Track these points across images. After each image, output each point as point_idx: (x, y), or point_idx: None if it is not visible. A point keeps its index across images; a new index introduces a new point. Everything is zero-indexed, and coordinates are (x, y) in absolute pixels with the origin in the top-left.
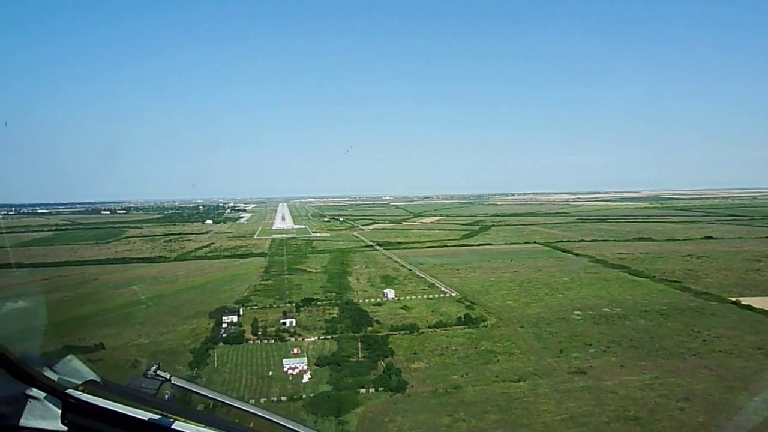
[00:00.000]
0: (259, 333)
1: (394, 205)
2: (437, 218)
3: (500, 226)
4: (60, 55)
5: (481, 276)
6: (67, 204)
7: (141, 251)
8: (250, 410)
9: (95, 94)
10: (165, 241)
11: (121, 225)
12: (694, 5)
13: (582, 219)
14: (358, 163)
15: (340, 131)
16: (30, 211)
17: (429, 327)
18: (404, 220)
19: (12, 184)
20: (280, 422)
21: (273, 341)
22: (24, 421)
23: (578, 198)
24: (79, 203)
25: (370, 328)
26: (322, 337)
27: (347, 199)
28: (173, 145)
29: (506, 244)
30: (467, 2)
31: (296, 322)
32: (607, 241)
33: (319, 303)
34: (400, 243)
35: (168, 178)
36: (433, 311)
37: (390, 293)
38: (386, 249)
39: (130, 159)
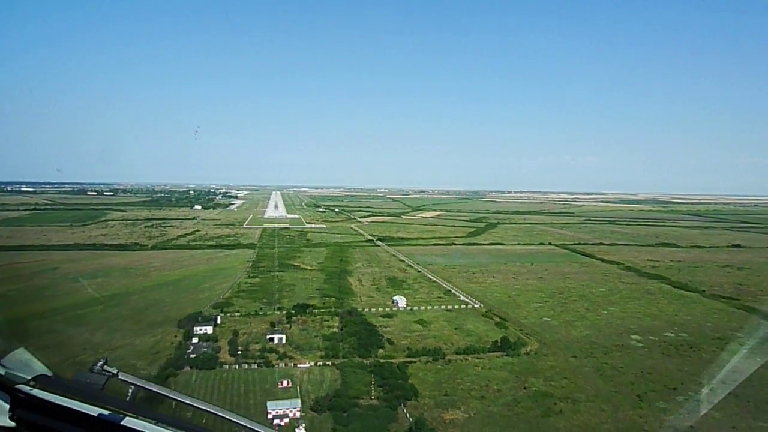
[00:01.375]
0: (239, 353)
1: (390, 198)
2: (437, 213)
3: (506, 224)
4: (60, 37)
5: (502, 282)
6: (55, 183)
7: (117, 237)
8: (198, 405)
9: (91, 76)
10: (146, 227)
11: (104, 207)
12: (697, 12)
13: (589, 220)
14: (354, 154)
15: (337, 123)
16: (14, 189)
17: (457, 352)
18: (403, 214)
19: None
20: (228, 417)
21: (256, 365)
22: None
23: (576, 198)
24: (69, 183)
25: (381, 350)
26: (320, 362)
27: (342, 190)
28: (166, 130)
29: (519, 244)
30: (467, 0)
31: (287, 339)
32: (628, 245)
33: (316, 311)
34: (403, 238)
35: (161, 161)
36: (456, 328)
37: (401, 301)
38: (389, 245)
39: (123, 142)
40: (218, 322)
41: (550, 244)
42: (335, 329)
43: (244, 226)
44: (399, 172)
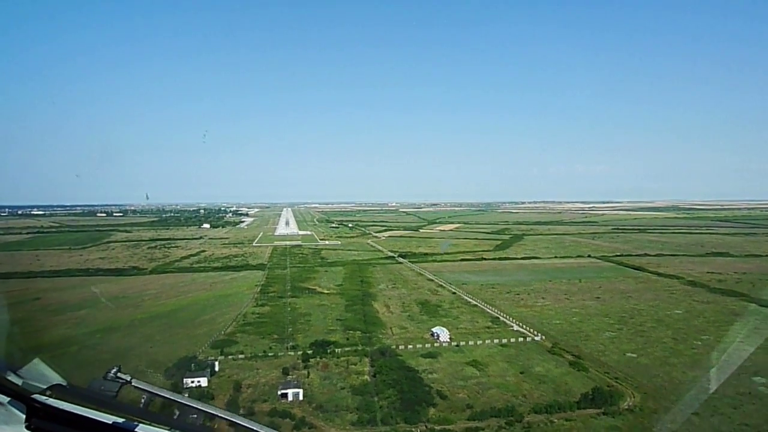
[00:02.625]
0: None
1: (403, 212)
2: (456, 226)
3: (531, 235)
4: (67, 56)
5: (556, 305)
6: (67, 206)
7: (115, 260)
8: (211, 411)
9: (103, 98)
10: (149, 248)
11: (110, 228)
12: (710, 19)
13: (617, 229)
14: (364, 170)
15: (346, 138)
16: (26, 212)
17: (536, 410)
18: (420, 227)
19: (12, 186)
20: (243, 423)
21: None
22: None
23: (593, 207)
24: (80, 205)
25: (432, 408)
26: None
27: (353, 205)
28: (178, 150)
29: (556, 257)
30: (479, 11)
31: (304, 394)
32: (675, 255)
33: (339, 350)
34: (426, 254)
35: (173, 182)
36: (522, 372)
37: (442, 334)
38: (412, 261)
39: (135, 163)
40: (216, 369)
41: (589, 256)
42: (366, 376)
43: (254, 244)
44: (410, 186)
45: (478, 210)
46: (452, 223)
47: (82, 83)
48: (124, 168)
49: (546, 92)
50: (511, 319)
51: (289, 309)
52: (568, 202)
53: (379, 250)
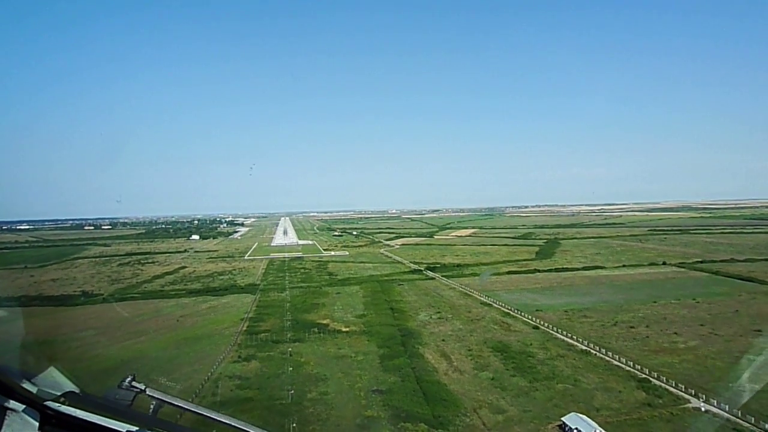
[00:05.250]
0: None
1: (407, 218)
2: (471, 231)
3: (565, 239)
4: (72, 67)
5: (710, 346)
6: (58, 221)
7: (70, 282)
8: (225, 421)
9: (98, 106)
10: (119, 265)
11: (88, 242)
12: (712, 19)
13: (655, 230)
14: (363, 177)
15: (344, 146)
16: (9, 228)
17: None
18: (432, 233)
19: (12, 201)
20: None
21: None
22: None
23: (602, 209)
24: (72, 219)
25: None
26: None
27: (352, 213)
28: (172, 163)
29: (624, 266)
30: (477, 17)
31: None
32: (765, 260)
33: None
34: (458, 266)
35: (171, 195)
36: None
37: (584, 427)
38: (445, 276)
39: (130, 177)
40: None
41: (664, 263)
42: None
43: (246, 257)
44: (409, 193)
45: (484, 215)
46: (465, 228)
47: (87, 96)
48: (121, 183)
49: (544, 97)
50: (668, 380)
51: (290, 368)
52: (572, 205)
53: (398, 262)
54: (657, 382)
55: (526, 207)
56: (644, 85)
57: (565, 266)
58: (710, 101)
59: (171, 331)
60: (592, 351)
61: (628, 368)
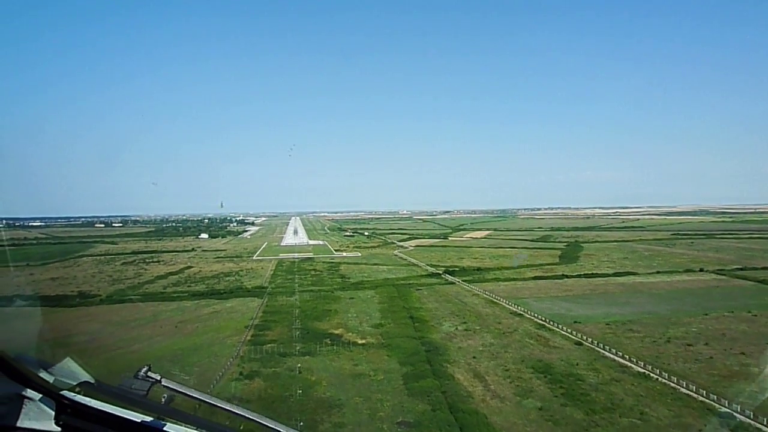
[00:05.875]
0: None
1: (419, 219)
2: (486, 232)
3: (589, 243)
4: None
5: None
6: (71, 218)
7: (69, 281)
8: (240, 412)
9: (113, 103)
10: (123, 263)
11: (95, 240)
12: (725, 28)
13: (677, 235)
14: (373, 178)
15: (356, 147)
16: (22, 224)
17: None
18: (446, 235)
19: (14, 199)
20: (271, 425)
21: None
22: (19, 422)
23: (617, 212)
24: (84, 216)
25: None
26: None
27: (363, 213)
28: (186, 161)
29: (659, 273)
30: (487, 21)
31: None
32: None
33: None
34: (479, 269)
35: (180, 193)
36: None
37: None
38: (466, 280)
39: (144, 175)
40: None
41: (701, 270)
42: None
43: (254, 258)
44: (420, 194)
45: (497, 216)
46: (479, 229)
47: (102, 94)
48: (136, 181)
49: (554, 100)
50: (756, 415)
51: (298, 390)
52: (584, 208)
53: (414, 264)
54: (743, 418)
55: (539, 209)
56: (659, 90)
57: (593, 272)
58: (724, 107)
59: (167, 339)
60: (651, 375)
61: (701, 398)
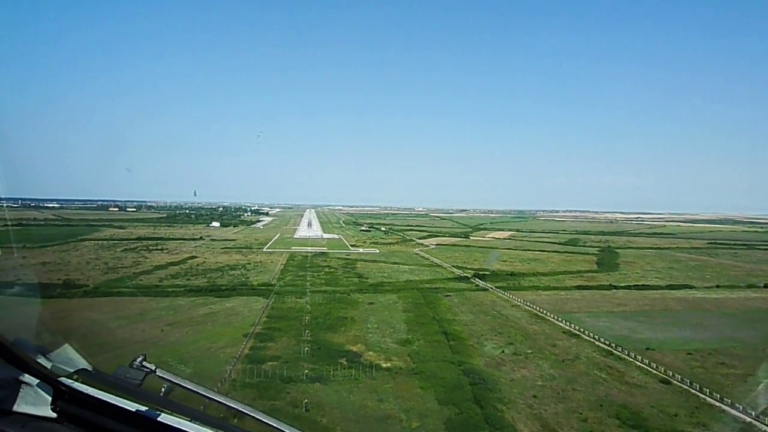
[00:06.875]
0: None
1: (436, 216)
2: (508, 233)
3: (622, 249)
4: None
5: None
6: (86, 200)
7: (63, 267)
8: (233, 405)
9: (134, 89)
10: (124, 250)
11: (104, 224)
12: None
13: (713, 244)
14: (390, 173)
15: (373, 141)
16: (37, 205)
17: None
18: (467, 234)
19: (33, 179)
20: (263, 419)
21: None
22: (16, 407)
23: (640, 217)
24: (101, 200)
25: None
26: None
27: (378, 208)
28: (204, 149)
29: (718, 287)
30: (507, 18)
31: None
32: None
33: None
34: (512, 274)
35: (197, 180)
36: None
37: None
38: (500, 287)
39: (163, 161)
40: None
41: (765, 286)
42: None
43: (265, 249)
44: (434, 191)
45: (515, 217)
46: (500, 229)
47: (122, 84)
48: (157, 169)
49: (577, 102)
50: None
51: None
52: (605, 212)
53: (437, 265)
54: None
55: (557, 211)
56: (686, 96)
57: (642, 283)
58: (748, 118)
59: (147, 348)
60: None
61: None
